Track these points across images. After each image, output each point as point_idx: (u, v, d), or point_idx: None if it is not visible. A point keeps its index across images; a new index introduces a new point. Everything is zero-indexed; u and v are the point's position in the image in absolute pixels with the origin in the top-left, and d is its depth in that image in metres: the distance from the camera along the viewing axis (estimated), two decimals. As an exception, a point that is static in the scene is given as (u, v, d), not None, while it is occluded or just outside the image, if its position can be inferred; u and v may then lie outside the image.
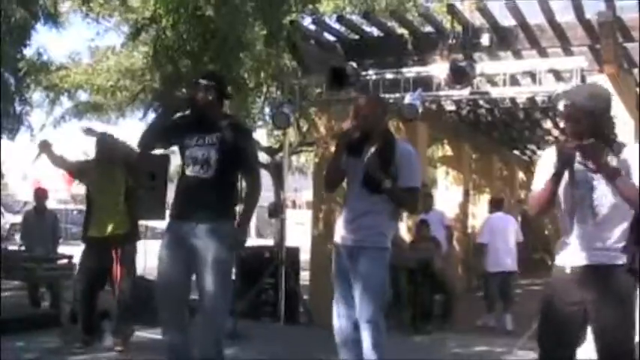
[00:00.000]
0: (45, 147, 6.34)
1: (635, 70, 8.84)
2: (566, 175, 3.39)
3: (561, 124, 3.92)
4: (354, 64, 8.13)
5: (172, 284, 4.45)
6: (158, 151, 6.36)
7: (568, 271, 3.48)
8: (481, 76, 7.96)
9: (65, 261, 8.36)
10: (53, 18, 8.70)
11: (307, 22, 10.27)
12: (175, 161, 5.23)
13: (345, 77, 7.99)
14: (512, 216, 10.14)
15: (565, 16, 8.20)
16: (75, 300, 6.42)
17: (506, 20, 8.46)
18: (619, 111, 7.84)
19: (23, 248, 9.44)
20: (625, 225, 3.40)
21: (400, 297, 8.63)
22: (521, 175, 18.34)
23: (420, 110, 7.81)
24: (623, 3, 8.25)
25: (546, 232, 17.02)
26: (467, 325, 9.07)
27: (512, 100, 10.87)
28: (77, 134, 6.95)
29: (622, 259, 3.37)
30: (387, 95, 7.70)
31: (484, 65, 8.06)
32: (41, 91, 12.94)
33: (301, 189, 28.06)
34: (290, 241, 9.15)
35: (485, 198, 13.55)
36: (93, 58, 13.14)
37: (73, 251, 7.91)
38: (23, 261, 8.19)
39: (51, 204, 12.55)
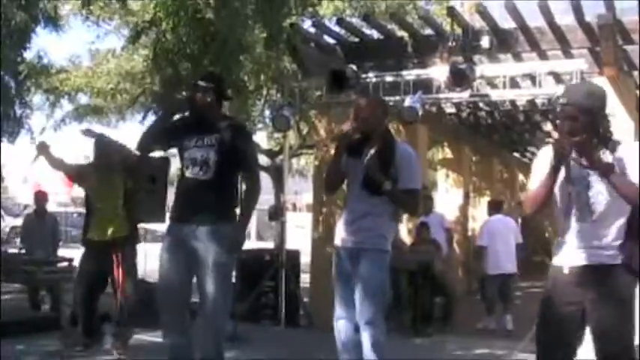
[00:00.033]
0: (43, 149, 6.33)
1: (635, 73, 8.84)
2: (562, 172, 3.40)
3: (557, 122, 3.94)
4: (354, 67, 8.14)
5: (173, 287, 4.45)
6: (158, 154, 6.36)
7: (566, 271, 3.49)
8: (481, 78, 7.96)
9: (65, 264, 8.36)
10: (53, 21, 8.69)
11: (307, 24, 10.29)
12: (175, 164, 5.23)
13: (345, 80, 7.99)
14: (511, 218, 10.13)
15: (565, 18, 8.20)
16: (75, 303, 6.41)
17: (506, 23, 8.46)
18: (619, 113, 7.84)
19: (23, 251, 9.44)
20: (622, 221, 3.42)
21: (400, 299, 8.63)
22: (521, 177, 18.33)
23: (420, 113, 7.81)
24: (623, 5, 8.27)
25: (547, 235, 17.02)
26: (467, 328, 9.07)
27: (513, 102, 10.87)
28: (77, 137, 6.94)
29: (620, 258, 3.38)
30: (387, 98, 7.69)
31: (484, 68, 8.06)
32: (41, 94, 12.96)
33: (301, 192, 28.03)
34: (290, 244, 9.15)
35: (485, 200, 13.54)
36: (93, 61, 13.16)
37: (74, 254, 7.91)
38: (23, 264, 8.18)
39: (51, 207, 12.54)
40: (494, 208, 9.93)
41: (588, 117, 3.37)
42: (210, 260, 4.33)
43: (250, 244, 18.41)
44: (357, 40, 9.44)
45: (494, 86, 8.55)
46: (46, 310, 8.76)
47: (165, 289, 4.49)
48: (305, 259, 9.85)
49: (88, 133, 6.57)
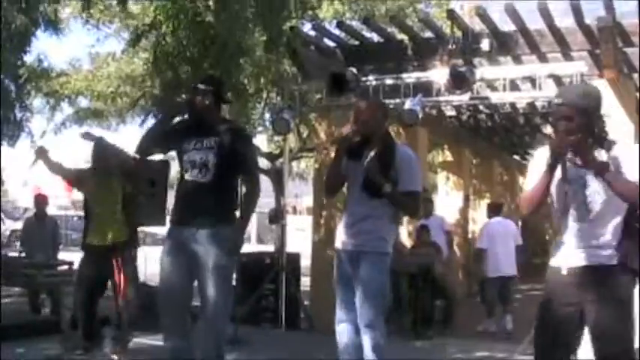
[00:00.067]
0: (42, 153, 6.32)
1: (635, 75, 8.85)
2: (558, 172, 3.41)
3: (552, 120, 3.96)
4: (354, 70, 8.14)
5: (174, 290, 4.45)
6: (158, 157, 6.36)
7: (564, 272, 3.49)
8: (481, 81, 7.97)
9: (66, 267, 8.35)
10: (54, 24, 8.70)
11: (307, 27, 10.30)
12: (176, 167, 5.23)
13: (345, 83, 8.00)
14: (511, 220, 10.13)
15: (565, 21, 8.21)
16: (75, 307, 6.41)
17: (506, 25, 8.47)
18: (619, 115, 7.87)
19: (23, 254, 9.44)
20: (618, 220, 3.44)
21: (401, 302, 8.63)
22: (521, 180, 18.33)
23: (420, 116, 7.81)
24: (622, 8, 8.27)
25: (547, 237, 17.01)
26: (467, 331, 9.06)
27: (513, 105, 10.87)
28: (78, 141, 6.94)
29: (617, 258, 3.40)
30: (387, 101, 7.70)
31: (484, 70, 8.06)
32: (42, 98, 12.98)
33: (302, 195, 28.02)
34: (290, 247, 9.14)
35: (485, 203, 13.54)
36: (93, 64, 13.18)
37: (74, 257, 7.90)
38: (23, 267, 8.18)
39: (51, 210, 12.56)
40: (494, 210, 9.93)
41: (583, 117, 3.40)
42: (210, 263, 4.33)
43: (251, 247, 18.45)
44: (357, 43, 9.45)
45: (494, 89, 8.55)
46: (47, 314, 8.75)
47: (166, 292, 4.49)
48: (305, 262, 9.84)
49: (87, 136, 6.57)
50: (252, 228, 26.52)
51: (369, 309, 4.46)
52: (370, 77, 8.35)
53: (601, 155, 3.41)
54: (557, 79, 8.34)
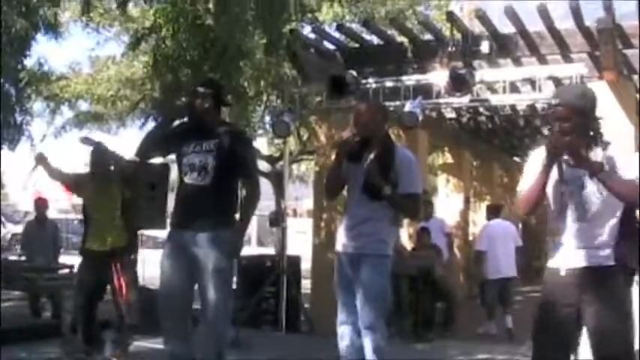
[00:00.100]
0: (41, 160, 6.35)
1: (635, 77, 8.85)
2: (555, 174, 3.43)
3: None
4: (354, 73, 8.14)
5: (175, 293, 4.45)
6: (158, 161, 6.36)
7: (563, 273, 3.51)
8: (481, 83, 7.98)
9: (66, 271, 8.34)
10: (53, 28, 8.70)
11: (307, 30, 10.30)
12: (176, 170, 5.23)
13: (345, 86, 8.00)
14: (511, 222, 10.13)
15: (564, 23, 8.21)
16: (74, 311, 6.42)
17: (506, 28, 8.48)
18: (619, 117, 7.87)
19: (24, 258, 9.43)
20: (615, 220, 3.45)
21: (401, 304, 8.62)
22: (522, 182, 18.30)
23: (420, 118, 7.81)
24: (622, 10, 8.27)
25: (547, 239, 16.98)
26: (468, 333, 9.06)
27: (513, 107, 10.88)
28: (78, 144, 6.96)
29: (615, 258, 3.41)
30: (387, 103, 7.70)
31: (484, 73, 8.07)
32: (42, 102, 12.98)
33: (302, 197, 28.04)
34: (291, 250, 9.14)
35: (486, 205, 13.54)
36: (93, 67, 13.19)
37: (74, 261, 7.89)
38: (24, 271, 8.17)
39: (52, 214, 12.55)
40: (493, 212, 9.93)
41: (579, 117, 3.43)
42: (210, 266, 4.33)
43: (251, 250, 18.46)
44: (356, 45, 9.45)
45: (494, 91, 8.55)
46: (47, 317, 8.75)
47: (167, 295, 4.49)
48: (306, 264, 9.84)
49: (86, 141, 6.57)
50: (252, 231, 26.55)
51: (370, 311, 4.46)
52: (370, 80, 8.36)
53: (596, 156, 3.43)
54: (557, 81, 8.33)
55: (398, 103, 7.91)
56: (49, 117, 13.67)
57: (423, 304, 8.81)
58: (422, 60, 8.85)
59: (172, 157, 4.77)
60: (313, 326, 8.58)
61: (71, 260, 8.63)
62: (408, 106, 7.74)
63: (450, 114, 11.75)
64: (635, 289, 3.52)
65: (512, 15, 8.05)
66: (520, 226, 11.70)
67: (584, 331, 3.50)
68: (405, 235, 10.31)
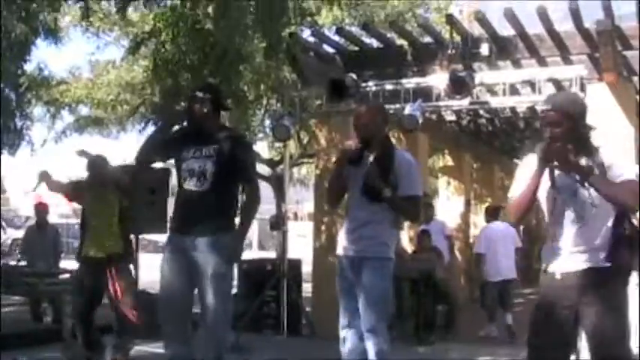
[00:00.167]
0: (45, 177, 6.49)
1: (635, 78, 8.84)
2: (548, 180, 3.45)
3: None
4: (354, 76, 8.15)
5: (175, 297, 4.44)
6: (158, 165, 6.38)
7: (558, 277, 3.53)
8: (481, 85, 7.98)
9: (67, 275, 8.32)
10: (53, 33, 8.73)
11: (306, 34, 10.31)
12: (176, 175, 5.25)
13: (344, 89, 8.01)
14: (510, 224, 10.10)
15: (564, 25, 8.20)
16: (73, 318, 6.43)
17: (505, 30, 8.47)
18: (619, 119, 7.86)
19: (24, 263, 9.41)
20: (609, 224, 3.47)
21: (403, 307, 8.61)
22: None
23: (420, 121, 7.82)
24: (621, 12, 8.27)
25: (542, 245, 16.96)
26: (469, 336, 9.05)
27: (513, 109, 10.88)
28: (78, 148, 7.02)
29: (609, 260, 3.43)
30: (387, 106, 7.70)
31: (484, 75, 8.08)
32: (42, 106, 13.00)
33: (303, 201, 28.04)
34: (292, 253, 9.13)
35: (486, 208, 13.53)
36: (93, 72, 13.21)
37: (75, 266, 7.91)
38: (25, 276, 8.17)
39: (52, 218, 12.55)
40: (492, 214, 9.91)
41: (570, 123, 3.47)
42: (209, 271, 4.32)
43: (252, 253, 18.47)
44: (356, 48, 9.45)
45: (494, 93, 8.56)
46: (48, 322, 8.74)
47: (167, 299, 4.48)
48: (307, 268, 9.83)
49: (82, 154, 6.64)
50: (253, 234, 26.55)
51: (372, 314, 4.46)
52: (370, 83, 8.36)
53: (587, 161, 3.46)
54: (557, 83, 8.35)
55: (398, 106, 7.92)
56: (50, 122, 13.70)
57: (424, 307, 8.80)
58: (422, 63, 8.84)
59: (172, 161, 4.77)
60: (314, 330, 8.57)
61: (72, 265, 8.61)
62: (408, 109, 7.75)
63: (450, 116, 11.75)
64: (634, 290, 3.52)
65: (511, 17, 8.05)
66: (521, 228, 11.68)
67: (584, 332, 3.51)
68: (406, 237, 10.29)
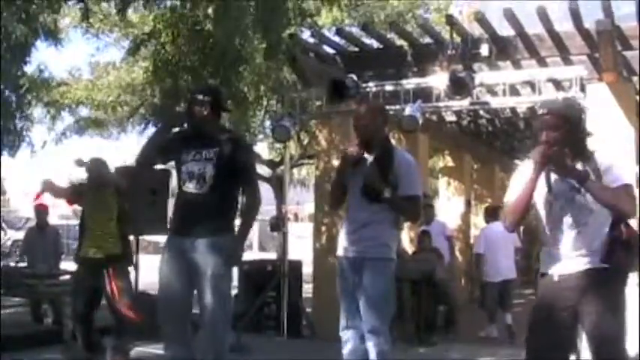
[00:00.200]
0: (48, 186, 6.63)
1: (635, 78, 8.84)
2: (544, 186, 3.47)
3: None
4: (354, 77, 8.14)
5: (174, 298, 4.44)
6: (158, 166, 6.39)
7: (556, 279, 3.55)
8: (481, 86, 7.97)
9: (68, 277, 8.33)
10: (53, 34, 8.71)
11: (306, 35, 10.30)
12: (176, 176, 5.26)
13: (344, 89, 8.00)
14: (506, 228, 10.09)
15: (564, 25, 8.20)
16: (73, 319, 6.44)
17: (505, 30, 8.47)
18: (619, 119, 7.86)
19: (22, 264, 9.40)
20: (606, 228, 3.48)
21: (404, 308, 8.60)
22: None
23: (421, 121, 7.82)
24: (621, 12, 8.26)
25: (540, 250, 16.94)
26: (470, 336, 9.05)
27: (513, 109, 10.88)
28: (78, 151, 7.08)
29: (606, 261, 3.45)
30: (387, 107, 7.70)
31: (484, 75, 8.07)
32: (42, 108, 12.99)
33: (303, 202, 28.00)
34: (292, 255, 9.13)
35: (487, 208, 13.52)
36: (93, 73, 13.22)
37: (75, 267, 7.91)
38: (25, 277, 8.18)
39: (53, 219, 12.53)
40: (491, 214, 9.89)
41: (566, 127, 3.49)
42: (209, 272, 4.32)
43: (252, 254, 18.45)
44: (356, 49, 9.44)
45: (494, 94, 8.55)
46: (49, 324, 8.74)
47: (166, 300, 4.48)
48: (307, 269, 9.83)
49: (79, 163, 6.69)
50: (253, 236, 26.53)
51: (374, 315, 4.47)
52: (370, 83, 8.36)
53: (583, 165, 3.48)
54: (557, 83, 8.35)
55: (398, 106, 7.91)
56: (50, 123, 13.69)
57: (424, 307, 8.79)
58: (422, 63, 8.84)
59: (172, 163, 4.76)
60: (315, 331, 8.57)
61: (72, 266, 8.63)
62: (408, 110, 7.74)
63: (450, 117, 11.74)
64: (634, 291, 3.53)
65: (511, 17, 8.05)
66: (521, 228, 11.67)
67: (584, 332, 3.52)
68: (406, 238, 10.29)
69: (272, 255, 16.03)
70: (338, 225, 8.33)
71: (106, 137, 15.55)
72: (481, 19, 8.24)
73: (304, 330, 8.84)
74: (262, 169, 14.25)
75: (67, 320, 7.37)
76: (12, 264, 10.05)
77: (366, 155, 4.59)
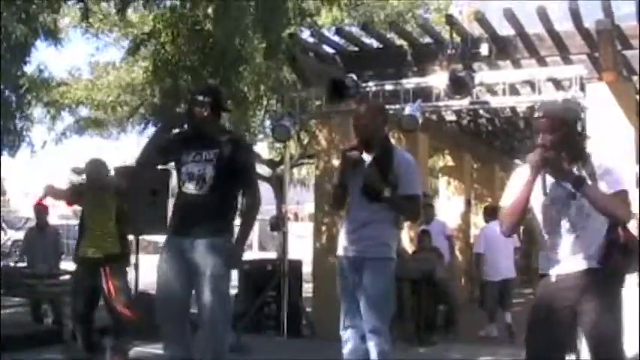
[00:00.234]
0: (50, 191, 6.69)
1: (635, 78, 8.84)
2: (542, 190, 3.46)
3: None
4: (354, 76, 8.14)
5: (172, 298, 4.43)
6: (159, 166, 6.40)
7: (554, 279, 3.56)
8: (480, 85, 7.97)
9: (67, 277, 8.33)
10: (53, 34, 8.70)
11: (306, 34, 10.30)
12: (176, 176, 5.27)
13: (344, 89, 8.00)
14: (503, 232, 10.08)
15: (563, 24, 8.20)
16: (73, 319, 6.44)
17: (505, 30, 8.47)
18: (618, 118, 7.85)
19: (22, 264, 9.40)
20: (604, 231, 3.48)
21: (404, 308, 8.60)
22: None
23: (420, 121, 7.82)
24: (621, 12, 8.26)
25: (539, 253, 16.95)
26: (470, 336, 9.05)
27: (513, 109, 10.87)
28: (78, 150, 7.12)
29: (603, 263, 3.46)
30: (386, 106, 7.70)
31: (483, 75, 8.07)
32: (42, 108, 12.99)
33: (303, 202, 28.01)
34: (292, 254, 9.13)
35: (486, 208, 13.52)
36: (93, 73, 13.22)
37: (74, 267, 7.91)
38: (25, 277, 8.17)
39: (53, 219, 12.52)
40: (491, 214, 9.88)
41: (562, 131, 3.48)
42: (208, 272, 4.31)
43: (252, 254, 18.44)
44: (356, 49, 9.44)
45: (493, 93, 8.55)
46: (49, 324, 8.73)
47: (164, 299, 4.47)
48: (307, 268, 9.83)
49: (77, 170, 6.72)
50: (253, 235, 26.52)
51: (374, 315, 4.47)
52: (370, 83, 8.36)
53: (579, 169, 3.48)
54: (557, 83, 8.34)
55: (398, 106, 7.91)
56: (50, 123, 13.70)
57: (424, 307, 8.79)
58: (421, 63, 8.83)
59: (172, 163, 4.76)
60: (315, 330, 8.57)
61: (72, 266, 8.63)
62: (407, 110, 7.74)
63: (450, 116, 11.74)
64: (634, 291, 3.54)
65: (511, 17, 8.05)
66: (521, 228, 11.66)
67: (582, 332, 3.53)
68: (406, 238, 10.29)
69: (272, 254, 16.02)
70: (338, 224, 8.33)
71: (105, 137, 15.56)
72: (481, 19, 8.24)
73: (304, 330, 8.83)
74: (262, 169, 14.26)
75: (67, 320, 7.37)
76: (12, 264, 10.04)
77: (365, 155, 4.59)
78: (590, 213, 3.44)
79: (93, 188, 6.32)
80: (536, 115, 3.62)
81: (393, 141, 5.46)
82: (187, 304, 4.49)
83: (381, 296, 4.52)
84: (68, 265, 9.26)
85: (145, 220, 7.28)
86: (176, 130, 4.74)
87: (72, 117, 13.83)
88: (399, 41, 9.35)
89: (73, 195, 6.70)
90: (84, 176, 6.51)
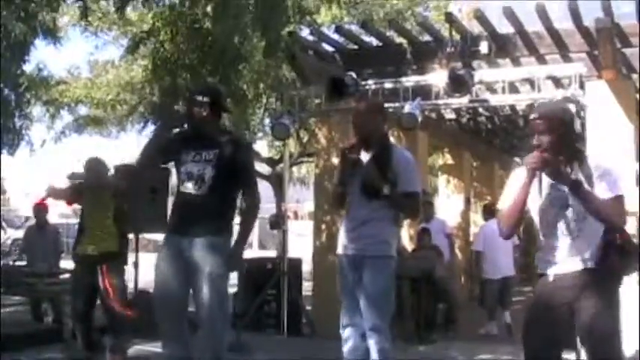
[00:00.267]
0: (52, 192, 6.75)
1: (635, 76, 8.83)
2: (538, 192, 3.48)
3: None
4: (353, 74, 8.14)
5: (170, 296, 4.43)
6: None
7: (552, 278, 3.56)
8: (480, 83, 7.98)
9: (67, 275, 8.32)
10: (52, 33, 8.69)
11: (305, 32, 10.30)
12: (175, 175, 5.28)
13: (344, 87, 8.00)
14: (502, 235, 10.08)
15: (563, 22, 8.20)
16: (72, 318, 6.44)
17: (505, 28, 8.47)
18: (618, 117, 7.86)
19: (22, 263, 9.40)
20: (601, 231, 3.48)
21: (403, 306, 8.60)
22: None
23: (420, 119, 7.82)
24: (621, 10, 8.26)
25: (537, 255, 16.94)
26: (470, 334, 9.06)
27: (512, 107, 10.87)
28: (77, 148, 7.15)
29: (600, 263, 3.46)
30: (386, 105, 7.70)
31: (483, 73, 8.07)
32: (41, 106, 12.99)
33: (303, 200, 27.98)
34: (292, 252, 9.13)
35: (486, 206, 13.52)
36: (92, 72, 13.22)
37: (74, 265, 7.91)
38: (25, 276, 8.17)
39: (52, 218, 12.51)
40: (490, 212, 9.90)
41: (558, 132, 3.48)
42: (206, 271, 4.31)
43: (252, 252, 18.42)
44: (355, 47, 9.44)
45: (493, 91, 8.54)
46: (49, 323, 8.73)
47: (162, 298, 4.47)
48: (307, 267, 9.82)
49: (73, 176, 6.74)
50: (253, 234, 26.51)
51: (374, 313, 4.47)
52: (369, 81, 8.36)
53: (576, 172, 3.48)
54: (556, 81, 8.34)
55: (397, 104, 7.91)
56: (49, 122, 13.69)
57: (424, 305, 8.79)
58: (421, 61, 8.84)
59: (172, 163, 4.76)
60: (315, 329, 8.57)
61: (72, 265, 8.63)
62: (407, 108, 7.75)
63: (449, 115, 11.74)
64: (634, 291, 3.54)
65: (510, 15, 8.05)
66: (521, 229, 11.67)
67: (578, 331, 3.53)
68: (406, 236, 10.29)
69: (272, 253, 16.01)
70: (338, 223, 8.32)
71: (105, 135, 15.56)
72: (480, 17, 8.24)
73: (304, 328, 8.84)
74: (262, 167, 14.25)
75: (67, 319, 7.37)
76: (12, 263, 10.04)
77: (364, 153, 4.59)
78: (587, 215, 3.44)
79: (92, 187, 6.33)
80: (531, 116, 3.62)
81: (392, 139, 5.47)
82: (185, 303, 4.49)
83: (381, 294, 4.52)
84: (68, 263, 9.24)
85: (144, 218, 7.28)
86: (176, 130, 4.73)
87: (71, 115, 13.83)
88: (399, 39, 9.35)
89: (73, 194, 6.71)
90: (84, 170, 6.50)
